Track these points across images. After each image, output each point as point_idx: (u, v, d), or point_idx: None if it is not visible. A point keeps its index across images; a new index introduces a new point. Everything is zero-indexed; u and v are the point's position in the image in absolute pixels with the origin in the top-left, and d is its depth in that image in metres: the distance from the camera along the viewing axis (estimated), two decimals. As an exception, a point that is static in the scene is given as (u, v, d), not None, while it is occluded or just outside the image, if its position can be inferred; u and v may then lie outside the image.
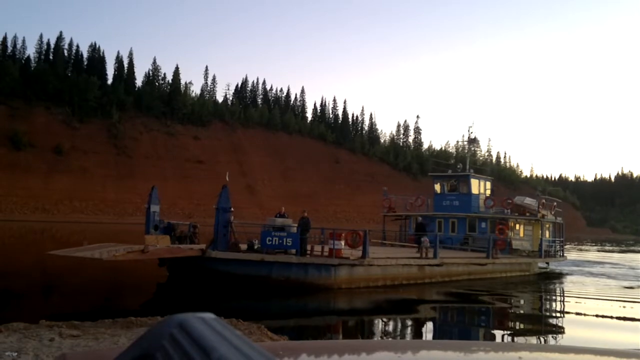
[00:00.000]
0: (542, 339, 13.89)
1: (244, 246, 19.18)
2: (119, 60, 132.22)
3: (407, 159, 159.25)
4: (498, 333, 14.97)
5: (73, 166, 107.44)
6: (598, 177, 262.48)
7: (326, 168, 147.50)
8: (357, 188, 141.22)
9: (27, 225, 71.83)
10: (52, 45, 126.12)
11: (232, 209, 18.93)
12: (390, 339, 13.49)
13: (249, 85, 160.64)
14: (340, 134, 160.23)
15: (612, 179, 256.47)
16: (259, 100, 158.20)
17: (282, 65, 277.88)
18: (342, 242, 19.29)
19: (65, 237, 47.64)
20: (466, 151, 35.43)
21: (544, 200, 31.08)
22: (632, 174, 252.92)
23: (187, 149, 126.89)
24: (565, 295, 23.54)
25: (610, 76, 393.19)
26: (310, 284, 18.58)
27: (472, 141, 34.71)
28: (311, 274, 18.72)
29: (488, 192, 32.85)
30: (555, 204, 33.07)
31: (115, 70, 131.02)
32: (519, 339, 13.99)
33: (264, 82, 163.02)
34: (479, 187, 32.05)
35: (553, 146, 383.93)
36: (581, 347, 1.71)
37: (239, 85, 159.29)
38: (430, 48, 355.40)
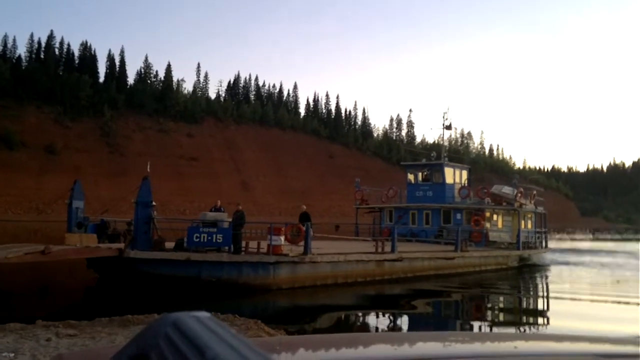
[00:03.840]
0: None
1: (171, 244, 16.49)
2: (110, 59, 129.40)
3: (400, 153, 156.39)
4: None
5: (65, 165, 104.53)
6: (590, 167, 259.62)
7: (320, 163, 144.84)
8: (351, 182, 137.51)
9: (20, 225, 69.49)
10: (43, 44, 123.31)
11: (155, 203, 16.19)
12: (386, 331, 12.25)
13: (242, 81, 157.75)
14: (334, 129, 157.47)
15: (605, 169, 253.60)
16: (252, 97, 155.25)
17: (275, 61, 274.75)
18: (282, 238, 16.60)
19: (60, 236, 45.05)
20: (443, 140, 32.65)
21: (522, 189, 28.36)
22: (624, 164, 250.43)
23: (180, 146, 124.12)
24: (544, 290, 21.21)
25: (601, 68, 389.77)
26: (245, 285, 15.91)
27: (448, 127, 31.92)
28: (246, 274, 16.05)
29: (465, 181, 30.06)
30: (535, 192, 30.25)
31: (106, 69, 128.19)
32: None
33: (256, 78, 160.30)
34: (454, 176, 29.26)
35: (546, 138, 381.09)
36: (576, 335, 1.73)
37: (232, 82, 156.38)
38: (423, 42, 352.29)
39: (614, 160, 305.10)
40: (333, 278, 17.81)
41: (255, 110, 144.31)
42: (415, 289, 18.74)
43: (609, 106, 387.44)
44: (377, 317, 14.80)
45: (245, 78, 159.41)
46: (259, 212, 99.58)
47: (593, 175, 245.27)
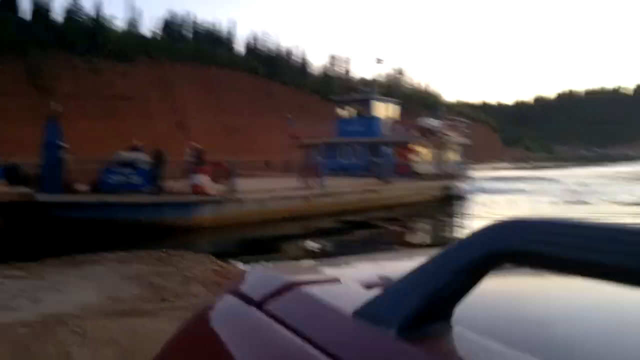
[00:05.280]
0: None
1: (84, 187, 15.34)
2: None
3: (337, 90, 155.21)
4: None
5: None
6: (519, 101, 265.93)
7: (259, 101, 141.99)
8: (290, 119, 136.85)
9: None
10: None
11: (64, 145, 14.88)
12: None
13: (177, 18, 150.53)
14: (272, 67, 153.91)
15: (532, 102, 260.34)
16: (188, 34, 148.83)
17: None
18: (204, 176, 15.76)
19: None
20: (375, 76, 32.12)
21: (448, 122, 28.30)
22: (549, 97, 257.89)
23: (114, 86, 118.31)
24: (464, 216, 21.56)
25: (524, 7, 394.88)
26: (166, 227, 15.06)
27: (379, 61, 31.30)
28: (167, 215, 15.21)
29: (394, 115, 29.70)
30: (461, 123, 30.32)
31: (32, 5, 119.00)
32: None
33: (192, 15, 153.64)
34: (384, 110, 28.82)
35: (477, 76, 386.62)
36: None
37: (166, 19, 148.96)
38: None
39: (540, 93, 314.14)
40: (259, 216, 17.22)
41: (192, 49, 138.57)
42: (345, 220, 18.58)
43: (534, 42, 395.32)
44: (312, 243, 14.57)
45: (181, 15, 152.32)
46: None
47: (521, 107, 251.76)
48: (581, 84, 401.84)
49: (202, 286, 7.71)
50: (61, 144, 14.58)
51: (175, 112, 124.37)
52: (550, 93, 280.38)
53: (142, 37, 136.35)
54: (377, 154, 26.64)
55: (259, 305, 0.92)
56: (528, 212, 20.13)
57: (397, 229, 18.57)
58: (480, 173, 36.26)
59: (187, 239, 14.93)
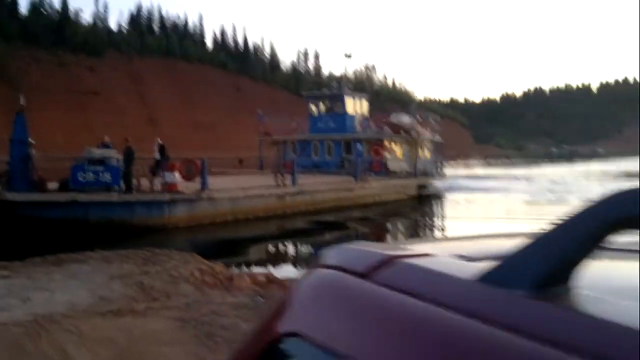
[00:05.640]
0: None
1: (53, 184, 14.88)
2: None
3: (307, 85, 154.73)
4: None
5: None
6: (485, 98, 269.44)
7: (228, 96, 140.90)
8: (261, 116, 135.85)
9: None
10: None
11: (32, 141, 14.40)
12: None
13: (144, 12, 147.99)
14: (241, 63, 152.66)
15: (498, 99, 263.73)
16: (156, 28, 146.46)
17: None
18: (176, 174, 15.46)
19: None
20: (344, 70, 32.03)
21: (420, 118, 28.39)
22: (515, 95, 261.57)
23: (82, 81, 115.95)
24: (440, 215, 21.57)
25: (489, 5, 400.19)
26: (138, 226, 14.73)
27: (349, 56, 31.30)
28: (139, 214, 14.85)
29: (365, 111, 29.64)
30: (433, 120, 30.44)
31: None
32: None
33: (159, 9, 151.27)
34: (355, 106, 28.73)
35: (444, 73, 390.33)
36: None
37: (134, 13, 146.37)
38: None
39: (506, 91, 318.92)
40: (233, 214, 16.99)
41: (160, 43, 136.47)
42: (318, 221, 18.43)
43: (500, 40, 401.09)
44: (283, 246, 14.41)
45: (148, 9, 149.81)
46: (168, 147, 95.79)
47: (488, 105, 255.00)
48: (546, 82, 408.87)
49: (191, 285, 7.65)
50: (29, 140, 14.11)
51: (145, 107, 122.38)
52: (517, 90, 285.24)
53: (110, 31, 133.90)
54: (350, 150, 26.50)
55: (366, 276, 0.90)
56: (506, 211, 20.16)
57: (368, 230, 18.47)
58: (453, 171, 36.38)
59: (161, 239, 14.66)
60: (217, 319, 5.93)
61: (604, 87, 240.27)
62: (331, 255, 1.04)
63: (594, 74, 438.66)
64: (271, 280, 8.21)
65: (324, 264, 1.01)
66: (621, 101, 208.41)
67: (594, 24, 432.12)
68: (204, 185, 15.70)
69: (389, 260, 0.92)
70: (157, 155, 16.55)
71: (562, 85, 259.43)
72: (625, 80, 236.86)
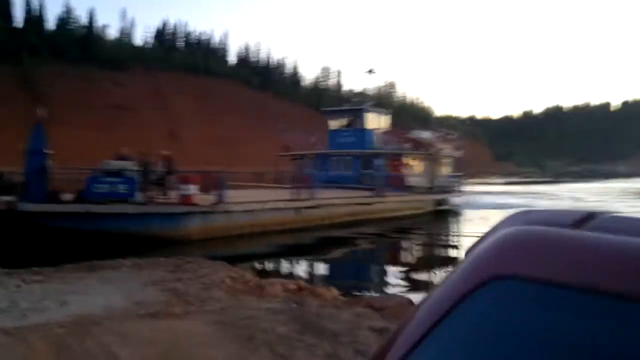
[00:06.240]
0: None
1: (69, 195, 14.70)
2: (27, 2, 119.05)
3: (328, 101, 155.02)
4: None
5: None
6: (504, 116, 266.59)
7: (251, 111, 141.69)
8: (282, 130, 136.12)
9: None
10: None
11: (50, 152, 14.26)
12: None
13: (170, 27, 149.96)
14: (264, 79, 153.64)
15: (516, 116, 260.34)
16: (181, 44, 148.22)
17: (204, 7, 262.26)
18: (193, 187, 15.22)
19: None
20: (367, 87, 31.79)
21: (441, 134, 27.94)
22: (533, 112, 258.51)
23: (107, 95, 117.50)
24: (458, 231, 21.03)
25: (513, 22, 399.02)
26: (154, 238, 14.48)
27: (371, 72, 31.06)
28: (155, 226, 14.61)
29: (385, 127, 29.26)
30: (453, 137, 29.94)
31: (25, 13, 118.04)
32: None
33: (185, 25, 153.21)
34: (376, 122, 28.39)
35: (464, 90, 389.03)
36: None
37: (160, 28, 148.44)
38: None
39: (525, 109, 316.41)
40: (250, 227, 16.69)
41: (185, 58, 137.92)
42: (332, 236, 18.04)
43: (521, 58, 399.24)
44: (292, 264, 14.00)
45: (174, 24, 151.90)
46: (188, 163, 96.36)
47: (506, 122, 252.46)
48: (567, 100, 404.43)
49: (223, 292, 7.74)
50: (46, 151, 13.98)
51: (168, 122, 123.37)
52: (537, 108, 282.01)
53: (136, 46, 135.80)
54: (369, 166, 26.12)
55: (576, 227, 0.97)
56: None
57: (381, 245, 18.12)
58: (473, 187, 35.76)
59: (177, 251, 14.40)
60: (255, 322, 5.96)
61: (624, 106, 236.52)
62: (525, 215, 1.09)
63: (613, 92, 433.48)
64: (302, 288, 8.31)
65: (519, 221, 1.05)
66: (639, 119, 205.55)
67: (619, 43, 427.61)
68: (220, 197, 15.42)
69: (592, 215, 1.01)
70: (160, 168, 16.44)
71: (580, 103, 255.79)
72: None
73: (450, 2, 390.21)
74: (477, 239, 1.11)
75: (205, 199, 15.48)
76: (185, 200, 14.84)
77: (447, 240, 19.72)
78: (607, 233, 0.90)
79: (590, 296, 0.80)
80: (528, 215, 1.10)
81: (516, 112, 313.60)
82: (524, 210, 1.13)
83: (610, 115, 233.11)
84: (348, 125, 28.36)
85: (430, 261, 15.19)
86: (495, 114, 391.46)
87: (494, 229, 1.10)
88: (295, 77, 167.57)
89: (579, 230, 0.95)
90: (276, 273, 12.72)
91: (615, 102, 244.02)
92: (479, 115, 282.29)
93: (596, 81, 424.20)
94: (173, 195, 15.55)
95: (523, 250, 0.93)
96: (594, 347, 0.77)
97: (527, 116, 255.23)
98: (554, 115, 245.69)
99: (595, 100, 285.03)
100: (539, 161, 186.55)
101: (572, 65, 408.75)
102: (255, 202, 16.91)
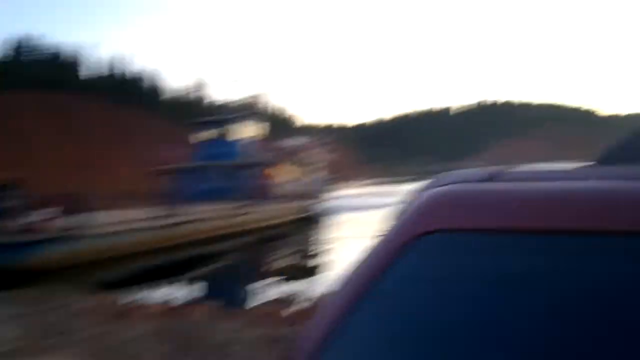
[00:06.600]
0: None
1: None
2: None
3: (196, 113, 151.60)
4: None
5: None
6: (376, 119, 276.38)
7: (111, 128, 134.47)
8: (143, 147, 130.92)
9: None
10: None
11: None
12: None
13: (20, 41, 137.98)
14: (127, 93, 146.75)
15: (373, 123, 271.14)
16: (32, 58, 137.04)
17: (56, 18, 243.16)
18: (45, 211, 13.76)
19: None
20: (232, 97, 31.28)
21: (313, 140, 28.26)
22: (407, 115, 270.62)
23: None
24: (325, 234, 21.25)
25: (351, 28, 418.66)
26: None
27: (235, 81, 30.80)
28: (-4, 259, 12.96)
29: (254, 136, 28.93)
30: (321, 144, 30.41)
31: None
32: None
33: (36, 38, 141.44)
34: (245, 132, 27.96)
35: (321, 98, 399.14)
36: None
37: (10, 42, 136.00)
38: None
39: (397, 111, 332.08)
40: (115, 251, 15.40)
41: (38, 74, 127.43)
42: (202, 253, 17.31)
43: (368, 65, 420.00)
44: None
45: (23, 37, 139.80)
46: (42, 187, 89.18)
47: (361, 129, 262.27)
48: (411, 106, 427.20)
49: (87, 321, 7.34)
50: None
51: (18, 142, 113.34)
52: (386, 115, 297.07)
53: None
54: (239, 177, 25.61)
55: (493, 180, 1.03)
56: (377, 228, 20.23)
57: (248, 258, 17.86)
58: (341, 191, 36.54)
59: (34, 283, 12.89)
60: (125, 349, 5.73)
61: (464, 110, 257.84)
62: (444, 177, 1.14)
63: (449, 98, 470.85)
64: (173, 308, 8.22)
65: (440, 183, 1.08)
66: (492, 121, 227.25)
67: (457, 50, 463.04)
68: (77, 221, 14.07)
69: (506, 169, 1.08)
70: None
71: (425, 109, 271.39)
72: (484, 102, 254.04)
73: (307, 18, 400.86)
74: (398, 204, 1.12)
75: (58, 224, 14.04)
76: (32, 227, 13.32)
77: (315, 247, 19.87)
78: (528, 179, 1.00)
79: (515, 237, 0.87)
80: (447, 177, 1.14)
81: (369, 119, 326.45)
82: (442, 174, 1.17)
83: (449, 119, 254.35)
84: (216, 137, 27.66)
85: (298, 268, 15.17)
86: (349, 121, 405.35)
87: (418, 193, 1.10)
88: (159, 90, 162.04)
89: (494, 183, 1.01)
90: (144, 296, 11.81)
91: (456, 106, 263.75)
92: (334, 123, 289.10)
93: (435, 88, 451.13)
94: (20, 222, 13.93)
95: (449, 205, 0.97)
96: (521, 280, 0.85)
97: (381, 122, 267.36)
98: (403, 121, 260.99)
99: (436, 106, 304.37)
100: (404, 162, 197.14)
101: (413, 73, 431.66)
102: (115, 223, 15.67)
